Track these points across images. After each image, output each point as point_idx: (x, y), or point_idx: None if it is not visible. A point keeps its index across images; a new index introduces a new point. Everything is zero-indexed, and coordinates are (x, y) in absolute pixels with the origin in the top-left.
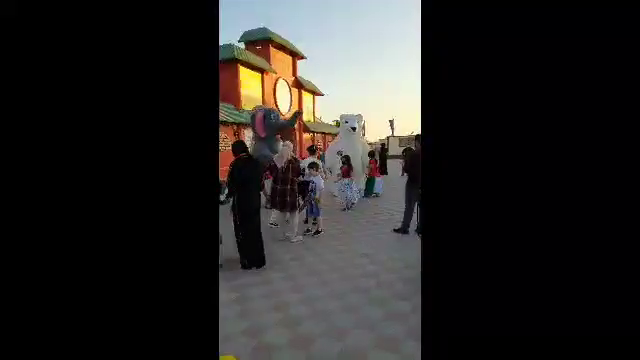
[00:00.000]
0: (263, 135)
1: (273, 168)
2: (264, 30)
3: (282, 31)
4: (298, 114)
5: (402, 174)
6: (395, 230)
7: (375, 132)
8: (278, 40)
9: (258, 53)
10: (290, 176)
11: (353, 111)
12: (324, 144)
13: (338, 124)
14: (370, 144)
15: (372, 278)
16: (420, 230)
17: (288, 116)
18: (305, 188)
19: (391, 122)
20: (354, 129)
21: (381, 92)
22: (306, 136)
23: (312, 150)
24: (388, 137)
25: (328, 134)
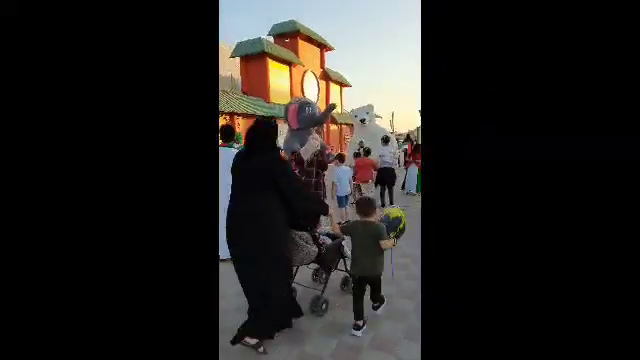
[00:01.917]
0: (295, 127)
1: (299, 161)
2: (292, 23)
3: (310, 22)
4: (332, 108)
5: None
6: None
7: (404, 122)
8: (306, 32)
9: (286, 46)
10: (315, 169)
11: (380, 102)
12: (351, 135)
13: None
14: (400, 135)
15: (402, 269)
16: None
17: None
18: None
19: (420, 112)
20: (363, 121)
21: (412, 81)
22: (333, 127)
23: (386, 140)
24: (417, 127)
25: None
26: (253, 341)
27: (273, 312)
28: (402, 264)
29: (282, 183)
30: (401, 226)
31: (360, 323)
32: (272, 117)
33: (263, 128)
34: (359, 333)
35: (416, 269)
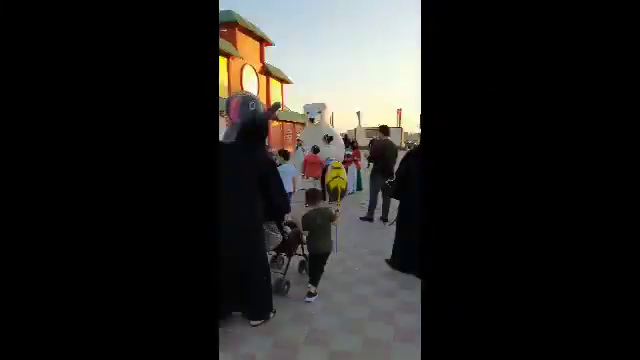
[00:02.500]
0: (236, 122)
1: None
2: (229, 13)
3: (250, 15)
4: (277, 107)
5: (367, 165)
6: (361, 218)
7: (342, 123)
8: (245, 24)
9: (223, 36)
10: None
11: (320, 101)
12: (293, 134)
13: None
14: (341, 134)
15: (338, 265)
16: (384, 218)
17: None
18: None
19: (358, 113)
20: (312, 120)
21: (349, 80)
22: (274, 124)
23: (328, 139)
24: (355, 128)
25: (297, 123)
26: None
27: (267, 289)
28: (337, 259)
29: (271, 182)
30: (340, 192)
31: (313, 291)
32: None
33: (255, 123)
34: (312, 299)
35: (351, 263)
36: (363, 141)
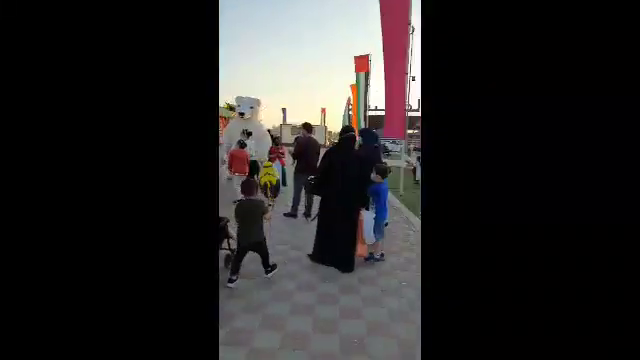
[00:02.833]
0: None
1: None
2: None
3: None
4: None
5: (292, 162)
6: (285, 214)
7: (268, 120)
8: None
9: None
10: None
11: (246, 95)
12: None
13: (229, 107)
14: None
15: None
16: (307, 214)
17: None
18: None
19: (284, 110)
20: (242, 115)
21: (278, 77)
22: None
23: (248, 134)
24: (281, 125)
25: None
26: None
27: None
28: (253, 257)
29: None
30: (270, 187)
31: (234, 277)
32: None
33: None
34: (233, 285)
35: (274, 259)
36: (289, 138)
